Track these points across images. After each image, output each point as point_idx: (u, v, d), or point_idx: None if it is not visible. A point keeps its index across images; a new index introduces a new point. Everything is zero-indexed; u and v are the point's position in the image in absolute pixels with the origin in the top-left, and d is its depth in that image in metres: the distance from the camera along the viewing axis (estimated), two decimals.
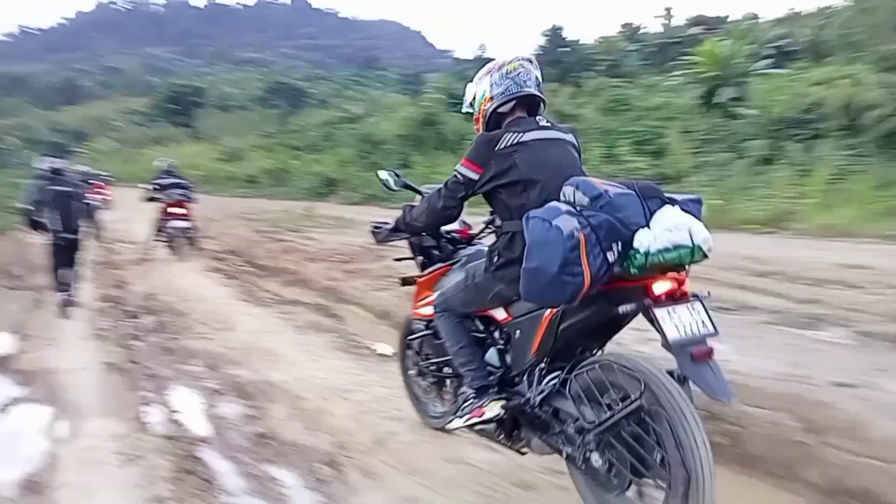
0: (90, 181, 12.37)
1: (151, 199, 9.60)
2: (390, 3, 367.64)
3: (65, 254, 6.47)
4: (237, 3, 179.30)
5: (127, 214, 13.90)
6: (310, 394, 3.68)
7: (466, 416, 2.32)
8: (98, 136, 47.24)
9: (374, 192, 17.45)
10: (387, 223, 2.70)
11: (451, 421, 2.46)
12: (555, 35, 33.72)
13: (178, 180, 9.80)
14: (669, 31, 29.37)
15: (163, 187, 9.51)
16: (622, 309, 1.91)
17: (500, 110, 2.28)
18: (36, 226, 6.46)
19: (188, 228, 9.34)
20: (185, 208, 9.42)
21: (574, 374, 2.01)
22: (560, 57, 31.64)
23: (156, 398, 3.73)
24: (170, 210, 9.31)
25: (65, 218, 6.34)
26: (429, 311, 2.65)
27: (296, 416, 3.38)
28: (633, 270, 1.79)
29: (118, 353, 4.67)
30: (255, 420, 3.34)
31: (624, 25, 33.21)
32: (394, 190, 2.97)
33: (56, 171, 6.55)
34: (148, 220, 9.88)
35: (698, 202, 1.94)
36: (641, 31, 31.72)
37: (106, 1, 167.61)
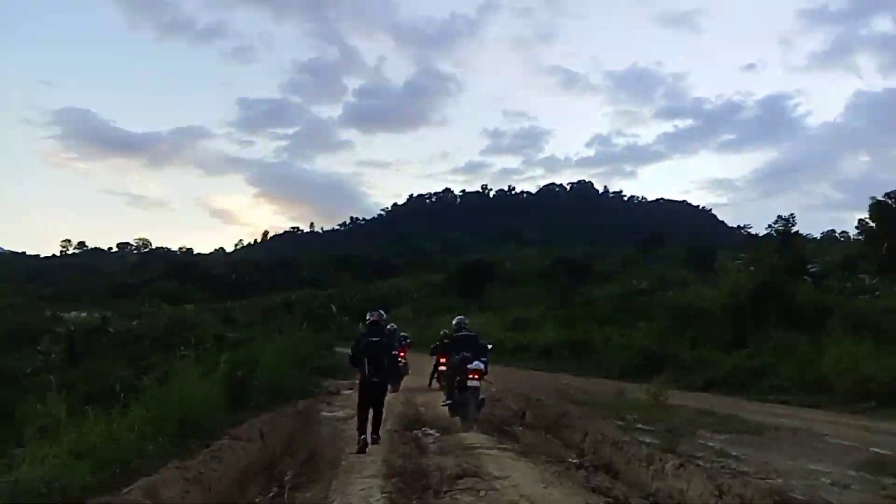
0: (400, 342, 14.26)
1: (433, 354, 13.79)
2: (678, 184, 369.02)
3: (369, 396, 7.84)
4: (523, 192, 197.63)
5: (421, 382, 14.28)
6: None
7: (443, 404, 10.13)
8: (399, 306, 51.46)
9: (715, 374, 13.49)
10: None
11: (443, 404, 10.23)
12: None
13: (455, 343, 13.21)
14: None
15: (439, 349, 13.21)
16: (468, 381, 9.27)
17: (455, 328, 10.43)
18: (356, 364, 8.15)
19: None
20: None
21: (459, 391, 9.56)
22: None
23: None
24: (441, 361, 12.94)
25: (374, 364, 7.82)
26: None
27: None
28: (468, 369, 9.36)
29: None
30: None
31: None
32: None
33: (373, 323, 8.14)
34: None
35: (485, 360, 9.60)
36: None
37: (416, 194, 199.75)
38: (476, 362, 9.29)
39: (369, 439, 7.63)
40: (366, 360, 7.80)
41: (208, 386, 7.27)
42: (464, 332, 10.08)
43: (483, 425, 9.11)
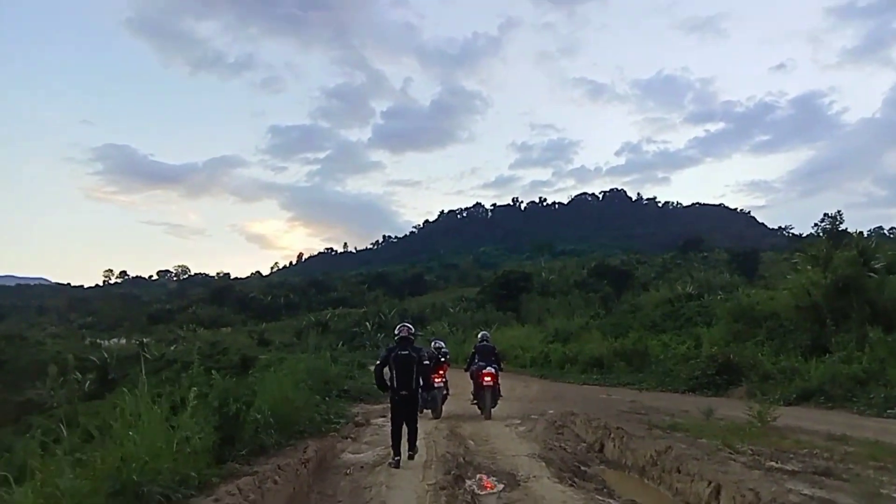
0: (440, 358, 12.77)
1: (467, 370, 13.01)
2: (713, 189, 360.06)
3: (401, 410, 7.57)
4: (554, 203, 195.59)
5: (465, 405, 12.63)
6: None
7: (472, 402, 12.57)
8: (434, 321, 50.21)
9: (807, 384, 11.58)
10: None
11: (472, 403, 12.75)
12: None
13: (478, 351, 13.26)
14: None
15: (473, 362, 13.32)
16: (483, 380, 12.03)
17: (479, 340, 12.99)
18: (383, 386, 7.71)
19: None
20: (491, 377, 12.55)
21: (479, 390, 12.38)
22: None
23: None
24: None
25: (402, 378, 7.51)
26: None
27: None
28: (482, 373, 12.05)
29: None
30: None
31: None
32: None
33: (403, 339, 7.71)
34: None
35: (496, 366, 12.18)
36: None
37: (447, 211, 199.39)
38: (488, 367, 11.95)
39: (405, 456, 7.50)
40: (393, 373, 7.57)
41: (181, 428, 5.36)
42: (484, 343, 12.67)
43: (554, 466, 7.07)
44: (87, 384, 34.22)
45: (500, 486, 6.17)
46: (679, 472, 6.14)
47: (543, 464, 7.06)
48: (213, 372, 7.41)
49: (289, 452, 7.11)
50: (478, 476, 6.63)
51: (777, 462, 6.09)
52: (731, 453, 6.41)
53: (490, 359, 12.16)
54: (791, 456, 6.36)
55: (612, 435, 8.32)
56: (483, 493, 5.96)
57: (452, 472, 6.53)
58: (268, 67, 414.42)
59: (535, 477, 6.42)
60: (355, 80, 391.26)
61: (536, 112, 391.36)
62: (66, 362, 38.11)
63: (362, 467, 7.36)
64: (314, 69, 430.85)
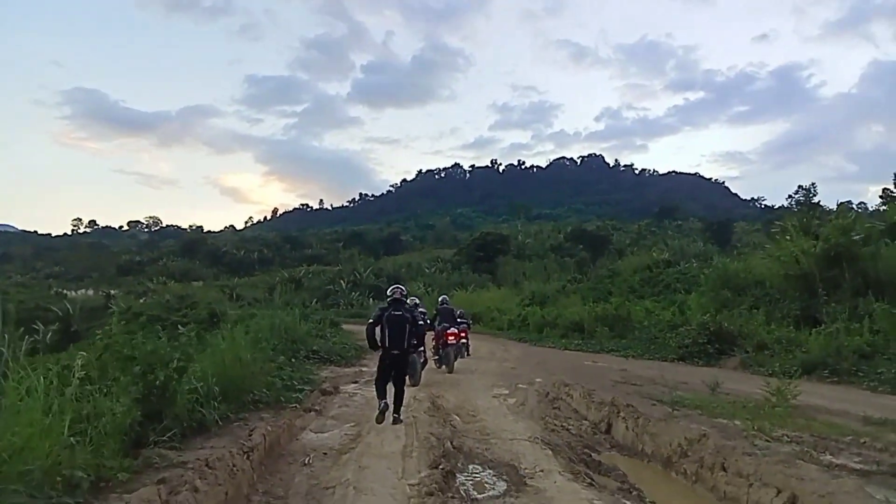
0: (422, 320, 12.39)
1: (429, 330, 13.16)
2: (690, 158, 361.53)
3: (389, 369, 7.56)
4: (533, 166, 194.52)
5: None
6: None
7: (434, 358, 13.32)
8: (410, 281, 49.62)
9: (809, 356, 11.01)
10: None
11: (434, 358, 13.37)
12: None
13: (439, 314, 14.18)
14: None
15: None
16: (448, 339, 13.08)
17: (439, 304, 14.22)
18: (374, 345, 7.67)
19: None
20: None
21: (443, 348, 13.26)
22: None
23: None
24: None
25: (393, 337, 7.56)
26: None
27: None
28: (447, 332, 13.08)
29: None
30: None
31: None
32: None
33: (395, 300, 7.82)
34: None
35: (457, 326, 13.34)
36: None
37: (425, 170, 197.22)
38: (451, 328, 13.00)
39: (391, 405, 7.36)
40: (386, 333, 7.52)
41: (65, 407, 4.09)
42: (444, 306, 13.86)
43: (562, 454, 5.85)
44: (48, 336, 32.96)
45: (502, 486, 4.90)
46: (724, 469, 4.94)
47: (549, 451, 5.93)
48: (169, 328, 6.54)
49: (236, 430, 5.88)
50: (470, 467, 5.47)
51: (828, 454, 5.04)
52: (767, 440, 5.41)
53: (451, 320, 13.37)
54: (838, 445, 5.37)
55: (621, 414, 7.16)
56: (482, 496, 4.72)
57: (441, 467, 5.18)
58: (245, 13, 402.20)
59: (542, 472, 5.23)
60: (335, 32, 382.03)
61: (518, 73, 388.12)
62: (8, 313, 36.55)
63: (326, 454, 6.01)
64: (293, 17, 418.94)
